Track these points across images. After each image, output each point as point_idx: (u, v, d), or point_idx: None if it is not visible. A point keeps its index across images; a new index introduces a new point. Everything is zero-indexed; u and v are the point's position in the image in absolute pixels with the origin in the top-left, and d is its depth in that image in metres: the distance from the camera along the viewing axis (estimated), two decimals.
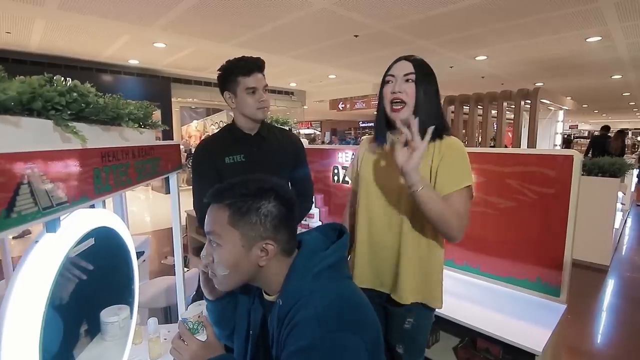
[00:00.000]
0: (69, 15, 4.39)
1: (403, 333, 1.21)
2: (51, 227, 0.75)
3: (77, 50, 6.27)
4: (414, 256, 1.17)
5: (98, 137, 0.84)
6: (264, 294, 0.86)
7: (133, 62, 7.34)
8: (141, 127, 1.14)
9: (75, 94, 0.69)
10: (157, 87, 8.36)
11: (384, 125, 1.22)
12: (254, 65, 1.41)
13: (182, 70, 8.29)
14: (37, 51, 6.24)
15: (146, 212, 6.88)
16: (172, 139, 8.74)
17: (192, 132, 11.02)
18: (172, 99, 8.83)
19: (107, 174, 0.78)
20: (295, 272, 0.78)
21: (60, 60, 6.76)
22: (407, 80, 1.13)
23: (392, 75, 1.15)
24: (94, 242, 0.91)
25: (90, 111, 0.75)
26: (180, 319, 0.85)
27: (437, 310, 1.24)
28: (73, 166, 0.66)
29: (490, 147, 6.97)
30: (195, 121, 11.29)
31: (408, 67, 1.13)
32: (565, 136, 11.82)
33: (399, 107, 1.14)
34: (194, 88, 9.19)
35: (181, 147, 8.52)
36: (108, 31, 5.16)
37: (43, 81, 0.67)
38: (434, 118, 1.12)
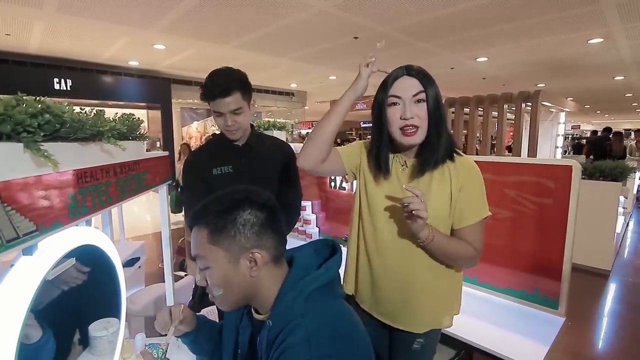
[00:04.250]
0: (67, 17, 4.37)
1: (410, 354, 1.16)
2: (27, 249, 0.72)
3: (77, 51, 6.25)
4: (431, 283, 1.10)
5: (77, 155, 0.82)
6: (254, 312, 0.84)
7: (133, 63, 7.32)
8: (128, 140, 1.11)
9: (47, 115, 0.66)
10: (158, 88, 8.35)
11: (388, 153, 1.11)
12: (217, 93, 1.32)
13: (182, 72, 8.27)
14: (37, 53, 6.23)
15: (147, 214, 6.85)
16: (172, 141, 8.74)
17: (193, 133, 11.02)
18: (173, 100, 8.81)
19: (84, 195, 0.76)
20: (286, 292, 0.76)
21: (61, 62, 6.75)
22: (417, 101, 1.02)
23: (398, 97, 1.03)
24: (75, 262, 0.88)
25: (66, 131, 0.73)
26: (146, 344, 0.84)
27: None
28: (42, 192, 0.64)
29: (492, 144, 6.93)
30: (195, 122, 11.28)
31: (415, 85, 1.02)
32: (576, 141, 11.63)
33: (412, 131, 1.03)
34: (195, 89, 9.15)
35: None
36: (107, 33, 5.14)
37: (14, 101, 0.65)
38: (446, 134, 1.06)
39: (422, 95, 1.02)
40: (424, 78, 1.03)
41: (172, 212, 5.36)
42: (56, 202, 0.68)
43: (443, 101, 1.10)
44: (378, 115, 1.09)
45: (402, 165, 1.12)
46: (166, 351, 0.86)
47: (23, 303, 0.73)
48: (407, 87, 1.02)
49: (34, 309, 0.75)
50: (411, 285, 1.10)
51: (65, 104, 0.75)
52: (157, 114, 8.50)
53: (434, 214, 1.03)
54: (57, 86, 6.68)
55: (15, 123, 0.62)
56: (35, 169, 0.66)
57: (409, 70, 1.04)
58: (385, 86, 1.06)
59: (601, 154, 6.83)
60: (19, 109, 0.64)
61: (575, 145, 10.76)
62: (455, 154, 1.09)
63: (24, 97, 0.66)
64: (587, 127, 23.52)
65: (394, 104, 1.04)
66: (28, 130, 0.64)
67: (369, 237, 1.16)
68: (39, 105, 0.66)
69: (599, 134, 9.04)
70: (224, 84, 1.32)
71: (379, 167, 1.12)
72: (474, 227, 1.07)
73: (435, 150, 1.04)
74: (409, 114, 1.01)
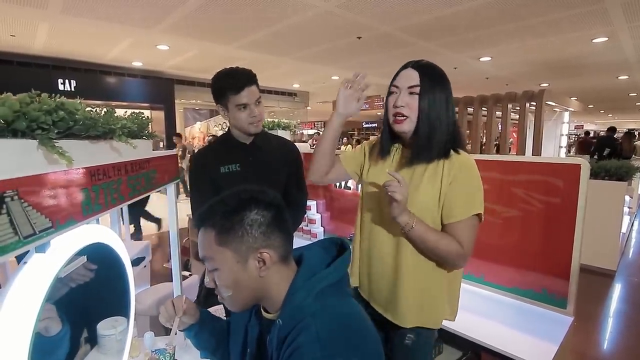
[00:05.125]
0: (71, 18, 4.39)
1: (404, 349, 1.17)
2: (40, 247, 0.72)
3: (81, 52, 6.28)
4: (416, 279, 1.10)
5: (88, 152, 0.82)
6: (263, 311, 0.84)
7: (137, 64, 7.35)
8: (137, 138, 1.12)
9: (62, 112, 0.66)
10: (161, 88, 8.38)
11: (388, 138, 1.16)
12: (244, 81, 1.36)
13: (185, 72, 8.29)
14: (41, 54, 6.26)
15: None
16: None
17: (196, 133, 11.04)
18: (176, 101, 8.84)
19: (97, 193, 0.76)
20: (296, 291, 0.75)
21: (65, 63, 6.79)
22: (410, 93, 1.05)
23: (397, 87, 1.08)
24: (86, 260, 0.88)
25: (79, 128, 0.73)
26: (152, 351, 0.84)
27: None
28: (57, 189, 0.64)
29: (495, 144, 6.91)
30: (198, 123, 11.32)
31: (414, 77, 1.05)
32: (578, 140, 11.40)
33: (401, 119, 1.07)
34: (198, 90, 9.20)
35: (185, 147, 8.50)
36: (111, 34, 5.16)
37: (29, 99, 0.65)
38: (443, 131, 1.06)
39: (417, 89, 1.05)
40: (426, 73, 1.06)
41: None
42: (70, 199, 0.69)
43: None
44: (385, 104, 1.14)
45: (403, 159, 1.16)
46: (174, 354, 0.86)
47: (36, 302, 0.73)
48: (406, 78, 1.07)
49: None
50: (396, 277, 1.12)
51: (78, 101, 0.75)
52: (160, 114, 8.52)
53: (421, 205, 1.06)
54: (61, 87, 6.71)
55: (30, 120, 0.62)
56: (49, 166, 0.66)
57: (415, 64, 1.08)
58: (393, 78, 1.12)
59: (610, 152, 6.78)
60: (33, 106, 0.64)
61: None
62: (453, 152, 1.09)
63: (38, 96, 0.66)
64: (591, 126, 23.45)
65: (393, 92, 1.10)
66: (42, 128, 0.64)
67: (366, 226, 1.22)
68: (54, 103, 0.66)
69: (602, 133, 9.00)
70: (246, 74, 1.38)
71: (381, 150, 1.18)
72: (463, 224, 1.05)
73: (425, 145, 1.06)
74: (399, 102, 1.06)
